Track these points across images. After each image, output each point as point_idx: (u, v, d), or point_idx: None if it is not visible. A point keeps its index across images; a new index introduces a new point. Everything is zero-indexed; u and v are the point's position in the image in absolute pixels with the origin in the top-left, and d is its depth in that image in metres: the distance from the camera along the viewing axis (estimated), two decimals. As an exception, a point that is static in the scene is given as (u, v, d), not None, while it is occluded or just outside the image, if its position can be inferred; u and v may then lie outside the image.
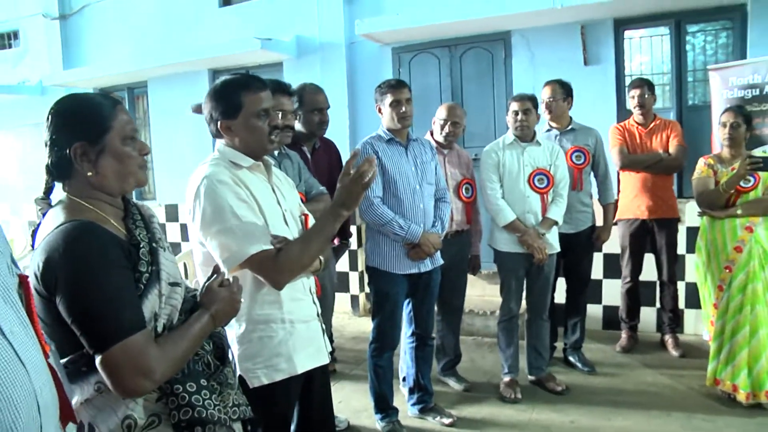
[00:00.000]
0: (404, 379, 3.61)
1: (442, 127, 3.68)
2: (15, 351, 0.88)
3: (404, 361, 3.59)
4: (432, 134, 3.77)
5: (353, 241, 5.22)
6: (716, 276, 3.50)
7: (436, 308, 3.77)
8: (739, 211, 3.43)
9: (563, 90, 3.99)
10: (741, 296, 3.35)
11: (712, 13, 4.66)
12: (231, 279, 1.58)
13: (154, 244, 1.42)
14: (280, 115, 2.62)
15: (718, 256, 3.49)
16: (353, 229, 5.24)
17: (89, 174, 1.38)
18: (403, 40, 5.49)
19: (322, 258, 1.99)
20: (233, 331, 1.88)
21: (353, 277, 5.71)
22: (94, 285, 1.25)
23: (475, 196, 3.81)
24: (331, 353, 4.10)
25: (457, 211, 3.71)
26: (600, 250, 4.11)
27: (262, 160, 1.99)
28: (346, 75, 5.73)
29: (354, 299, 5.76)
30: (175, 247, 6.61)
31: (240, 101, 1.87)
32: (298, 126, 3.17)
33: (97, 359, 1.25)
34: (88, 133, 1.37)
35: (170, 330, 1.40)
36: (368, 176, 1.79)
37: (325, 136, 3.54)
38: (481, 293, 5.15)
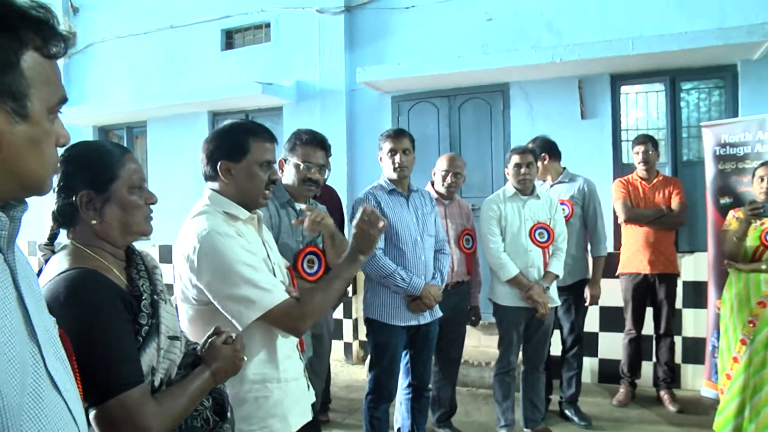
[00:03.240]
0: (399, 430, 3.54)
1: (444, 178, 3.70)
2: (69, 409, 0.87)
3: (399, 412, 3.53)
4: (432, 185, 3.80)
5: (348, 289, 5.19)
6: (739, 329, 3.47)
7: (433, 360, 3.74)
8: (763, 266, 3.44)
9: (540, 148, 4.05)
10: (765, 352, 3.30)
11: (704, 71, 4.79)
12: (234, 336, 1.56)
13: (155, 296, 1.39)
14: (305, 167, 2.64)
15: (743, 309, 3.47)
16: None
17: (94, 222, 1.37)
18: (403, 89, 5.58)
19: None
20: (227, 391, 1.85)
21: (347, 325, 5.66)
22: (93, 336, 1.23)
23: (475, 247, 3.81)
24: (322, 404, 4.11)
25: (458, 261, 3.70)
26: (593, 303, 4.10)
27: (255, 213, 1.94)
28: (346, 121, 5.80)
29: (347, 347, 5.70)
30: (169, 288, 6.54)
31: (247, 146, 1.84)
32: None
33: (92, 413, 1.22)
34: (95, 181, 1.37)
35: (168, 385, 1.37)
36: (380, 223, 1.85)
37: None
38: (477, 344, 5.11)
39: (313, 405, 2.05)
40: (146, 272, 1.44)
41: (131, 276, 1.40)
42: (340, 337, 5.69)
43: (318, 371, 3.17)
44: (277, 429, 1.85)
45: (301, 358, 2.00)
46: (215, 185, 1.88)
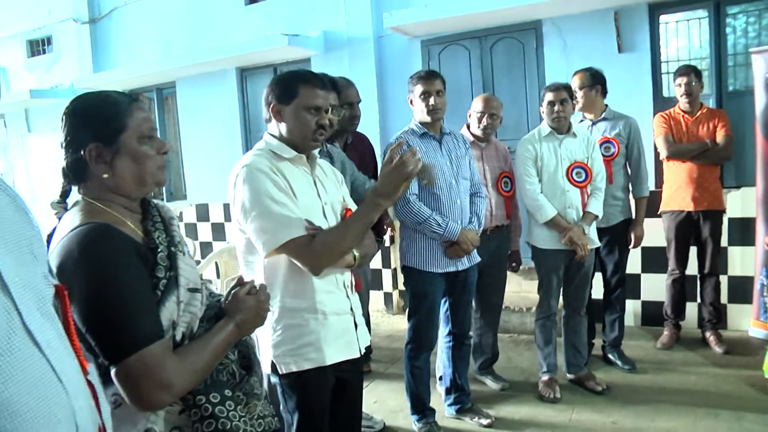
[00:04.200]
0: (441, 379, 3.54)
1: (480, 120, 3.58)
2: (52, 366, 0.83)
3: (441, 361, 3.52)
4: (468, 128, 3.69)
5: (385, 238, 5.16)
6: None
7: (474, 306, 3.70)
8: None
9: (592, 78, 3.87)
10: None
11: (753, -7, 4.48)
12: (258, 286, 1.53)
13: (173, 248, 1.35)
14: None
15: None
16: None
17: (105, 176, 1.33)
18: (432, 33, 5.40)
19: (356, 253, 1.97)
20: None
21: (386, 275, 5.66)
22: (109, 292, 1.20)
23: (514, 190, 3.71)
24: (368, 352, 4.14)
25: (497, 205, 3.61)
26: (637, 246, 3.97)
27: (307, 152, 1.99)
28: (375, 69, 5.67)
29: (388, 297, 5.71)
30: (207, 247, 6.64)
31: (296, 90, 1.92)
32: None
33: (112, 371, 1.20)
34: (103, 133, 1.32)
35: (190, 339, 1.35)
36: (411, 166, 1.81)
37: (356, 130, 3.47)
38: (517, 289, 5.06)
39: (367, 349, 2.12)
40: (162, 224, 1.40)
41: (147, 228, 1.36)
42: (380, 288, 5.70)
43: (356, 321, 3.18)
44: (312, 358, 1.91)
45: (348, 297, 2.02)
46: (271, 127, 1.99)
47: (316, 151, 2.06)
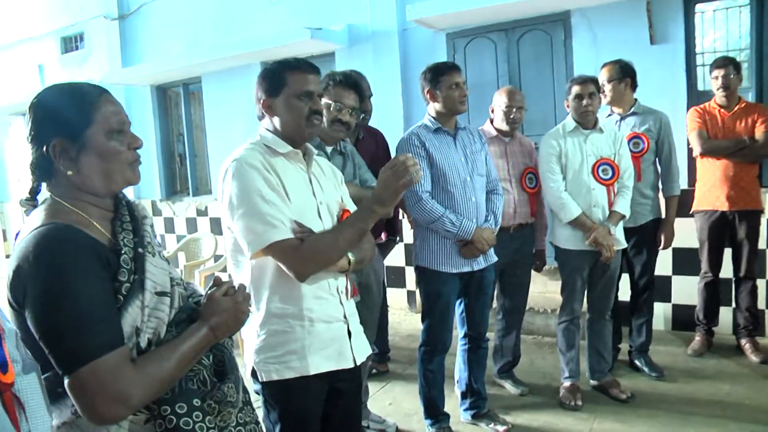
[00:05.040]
0: (458, 382, 3.42)
1: (507, 114, 3.45)
2: None
3: (457, 363, 3.40)
4: (492, 122, 3.55)
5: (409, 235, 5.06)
6: None
7: (497, 307, 3.58)
8: None
9: (621, 71, 3.68)
10: None
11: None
12: (237, 287, 1.44)
13: (140, 249, 1.27)
14: (336, 108, 2.51)
15: None
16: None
17: (70, 173, 1.25)
18: (457, 25, 5.25)
19: (351, 258, 1.86)
20: (252, 318, 1.80)
21: (409, 272, 5.54)
22: (63, 298, 1.11)
23: (539, 187, 3.55)
24: (379, 354, 4.04)
25: (520, 202, 3.47)
26: (667, 247, 3.79)
27: (303, 147, 1.90)
28: (400, 63, 5.54)
29: (411, 295, 5.59)
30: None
31: (284, 79, 1.83)
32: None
33: (65, 382, 1.12)
34: (67, 127, 1.24)
35: (158, 345, 1.26)
36: (410, 174, 1.70)
37: (377, 126, 3.36)
38: (542, 290, 4.90)
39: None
40: (132, 223, 1.32)
41: (115, 229, 1.28)
42: (403, 285, 5.60)
43: (368, 321, 3.05)
44: (295, 366, 1.80)
45: (342, 303, 1.90)
46: (264, 122, 1.91)
47: (313, 147, 1.96)
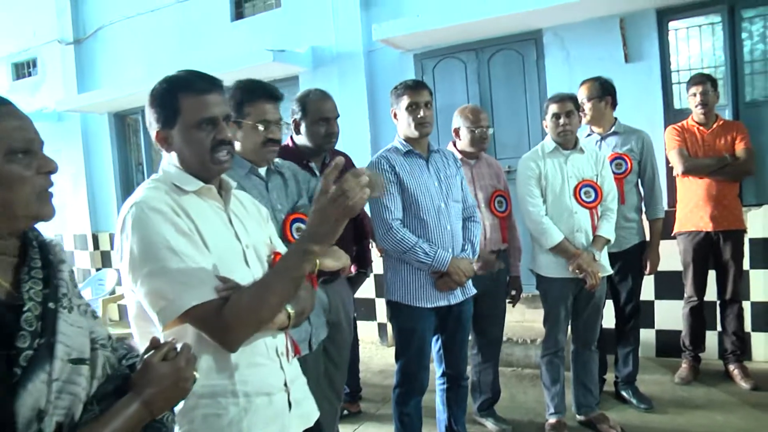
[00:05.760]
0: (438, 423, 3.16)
1: (473, 134, 3.23)
2: None
3: (436, 404, 3.14)
4: (455, 145, 3.34)
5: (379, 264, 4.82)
6: None
7: (471, 340, 3.34)
8: None
9: (601, 88, 3.53)
10: None
11: (770, -5, 4.15)
12: (179, 348, 1.16)
13: (51, 304, 1.00)
14: (272, 127, 2.22)
15: None
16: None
17: None
18: (425, 45, 5.09)
19: (291, 311, 1.51)
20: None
21: (380, 304, 5.28)
22: None
23: (510, 210, 3.35)
24: (350, 393, 3.76)
25: (491, 228, 3.25)
26: (653, 272, 3.62)
27: (217, 181, 1.56)
28: (366, 85, 5.36)
29: (382, 327, 5.33)
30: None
31: (177, 105, 1.47)
32: (302, 140, 2.78)
33: None
34: None
35: (71, 430, 0.98)
36: (354, 198, 1.28)
37: (343, 149, 3.12)
38: (520, 318, 4.68)
39: (317, 423, 1.64)
40: (44, 270, 1.04)
41: (20, 278, 1.01)
42: (374, 318, 5.33)
43: (338, 362, 2.83)
44: None
45: (282, 368, 1.54)
46: (169, 158, 1.54)
47: (231, 180, 1.62)
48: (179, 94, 1.47)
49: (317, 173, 2.77)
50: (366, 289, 5.07)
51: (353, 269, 3.13)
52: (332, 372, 2.80)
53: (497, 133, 4.87)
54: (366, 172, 1.31)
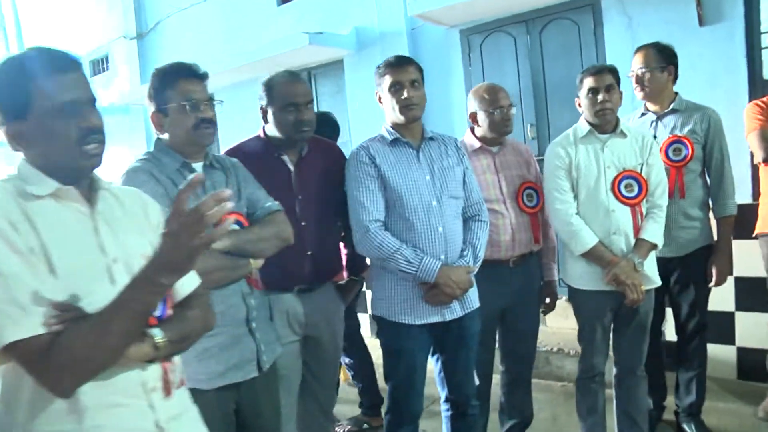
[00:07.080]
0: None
1: (492, 117, 2.70)
2: None
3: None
4: (473, 132, 2.84)
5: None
6: None
7: (500, 356, 2.88)
8: None
9: (661, 56, 2.90)
10: None
11: None
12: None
13: None
14: (192, 107, 1.91)
15: None
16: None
17: None
18: (470, 20, 4.60)
19: (160, 339, 1.23)
20: None
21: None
22: None
23: (542, 204, 2.80)
24: (371, 406, 3.46)
25: (520, 227, 2.71)
26: (721, 284, 2.96)
27: (87, 180, 1.30)
28: (411, 66, 4.94)
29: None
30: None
31: (27, 93, 1.21)
32: (272, 130, 2.42)
33: None
34: None
35: None
36: (208, 223, 1.04)
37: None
38: (574, 325, 4.08)
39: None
40: None
41: None
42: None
43: (323, 379, 2.54)
44: None
45: (153, 407, 1.25)
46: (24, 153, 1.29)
47: (102, 178, 1.34)
48: (27, 80, 1.22)
49: (290, 168, 2.41)
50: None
51: (345, 275, 2.73)
52: (317, 389, 2.52)
53: (551, 117, 4.32)
54: (230, 194, 1.06)
